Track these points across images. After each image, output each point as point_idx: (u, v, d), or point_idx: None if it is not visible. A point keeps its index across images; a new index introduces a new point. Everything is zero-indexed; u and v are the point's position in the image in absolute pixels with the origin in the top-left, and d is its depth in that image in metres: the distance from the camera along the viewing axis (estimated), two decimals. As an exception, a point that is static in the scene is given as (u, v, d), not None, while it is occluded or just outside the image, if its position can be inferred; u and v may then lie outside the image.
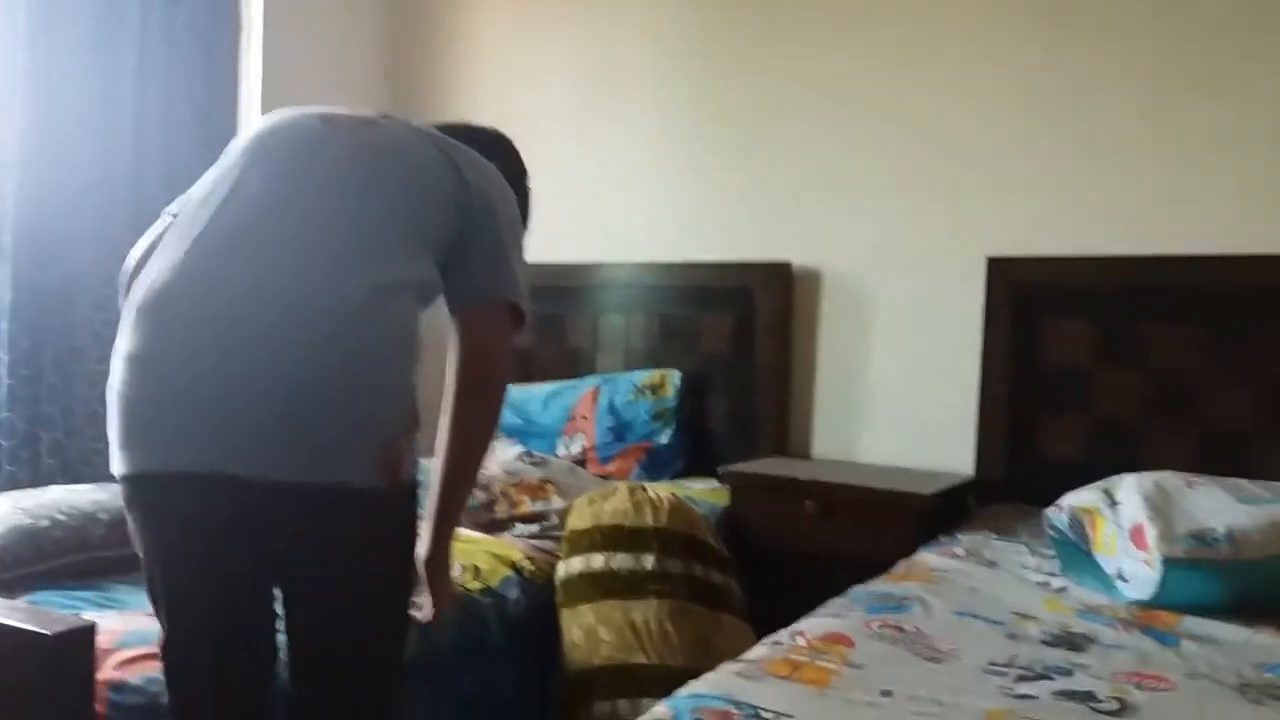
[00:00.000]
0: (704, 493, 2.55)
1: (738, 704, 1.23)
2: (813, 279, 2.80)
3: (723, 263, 2.89)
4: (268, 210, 1.30)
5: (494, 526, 2.32)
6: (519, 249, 1.46)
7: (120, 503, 1.99)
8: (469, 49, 3.42)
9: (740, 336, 2.84)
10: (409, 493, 1.34)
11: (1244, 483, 1.85)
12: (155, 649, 1.35)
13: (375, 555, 1.31)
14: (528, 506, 2.34)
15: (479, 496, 2.33)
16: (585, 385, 2.93)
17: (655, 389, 2.81)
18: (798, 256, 2.80)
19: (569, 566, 2.13)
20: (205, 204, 1.32)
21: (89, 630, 1.30)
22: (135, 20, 2.71)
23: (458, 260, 1.39)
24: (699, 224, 2.98)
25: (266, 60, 3.13)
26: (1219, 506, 1.75)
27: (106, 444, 2.70)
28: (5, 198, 2.48)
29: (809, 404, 2.81)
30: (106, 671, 1.43)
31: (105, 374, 2.59)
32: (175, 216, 1.39)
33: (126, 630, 1.54)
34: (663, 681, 1.65)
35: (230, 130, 2.94)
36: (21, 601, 1.53)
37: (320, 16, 3.29)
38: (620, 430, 2.78)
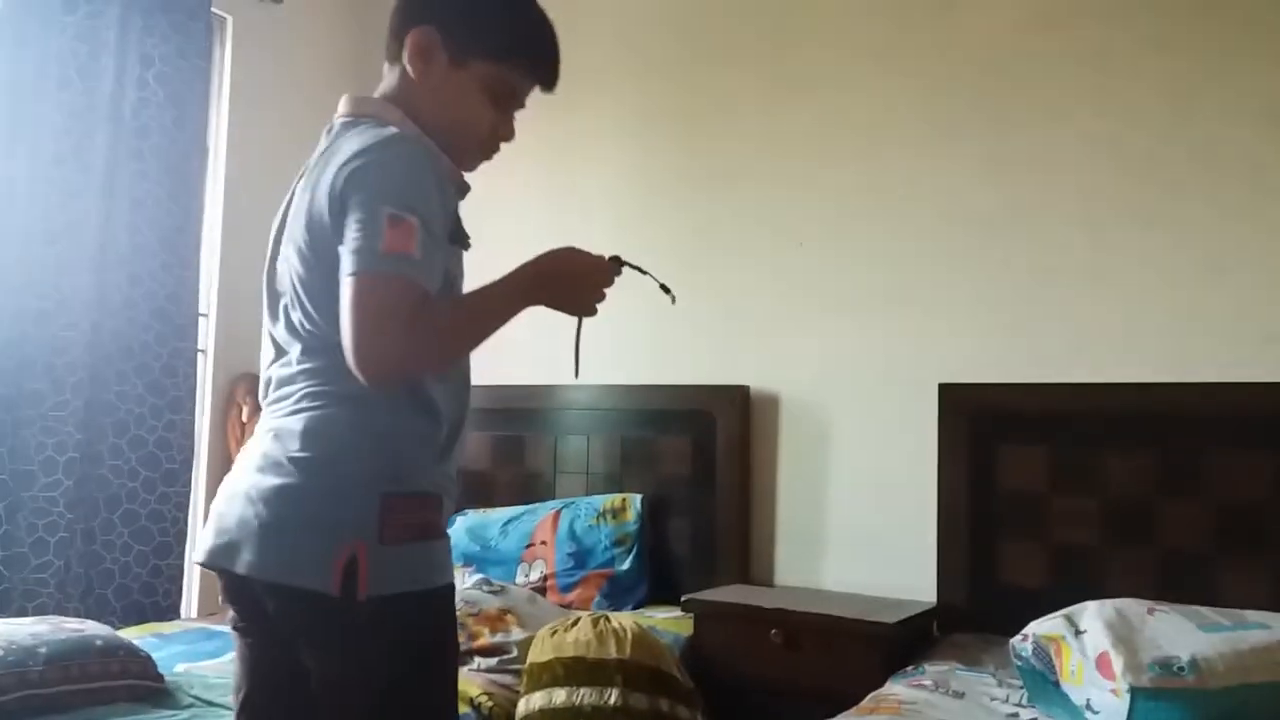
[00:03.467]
0: (667, 622, 2.51)
1: None
2: (771, 403, 2.84)
3: (682, 385, 2.92)
4: None
5: (451, 659, 2.24)
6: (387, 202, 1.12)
7: (60, 637, 1.92)
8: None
9: (700, 459, 2.84)
10: (379, 611, 1.13)
11: (1204, 610, 1.87)
12: None
13: (330, 667, 1.18)
14: (486, 639, 2.28)
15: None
16: (545, 509, 2.90)
17: (616, 513, 2.79)
18: (756, 380, 2.85)
19: (530, 703, 2.06)
20: None
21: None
22: (104, 140, 2.74)
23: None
24: (658, 347, 3.02)
25: (228, 190, 3.18)
26: (1181, 635, 1.76)
27: (52, 575, 2.57)
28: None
29: (770, 528, 2.80)
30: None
31: (51, 502, 2.55)
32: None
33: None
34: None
35: (195, 252, 2.95)
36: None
37: (280, 152, 3.35)
38: (581, 556, 2.74)
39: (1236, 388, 2.22)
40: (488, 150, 1.39)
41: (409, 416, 1.20)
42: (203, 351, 3.06)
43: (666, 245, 3.03)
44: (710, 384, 2.87)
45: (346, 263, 1.11)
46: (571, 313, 1.40)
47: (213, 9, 3.07)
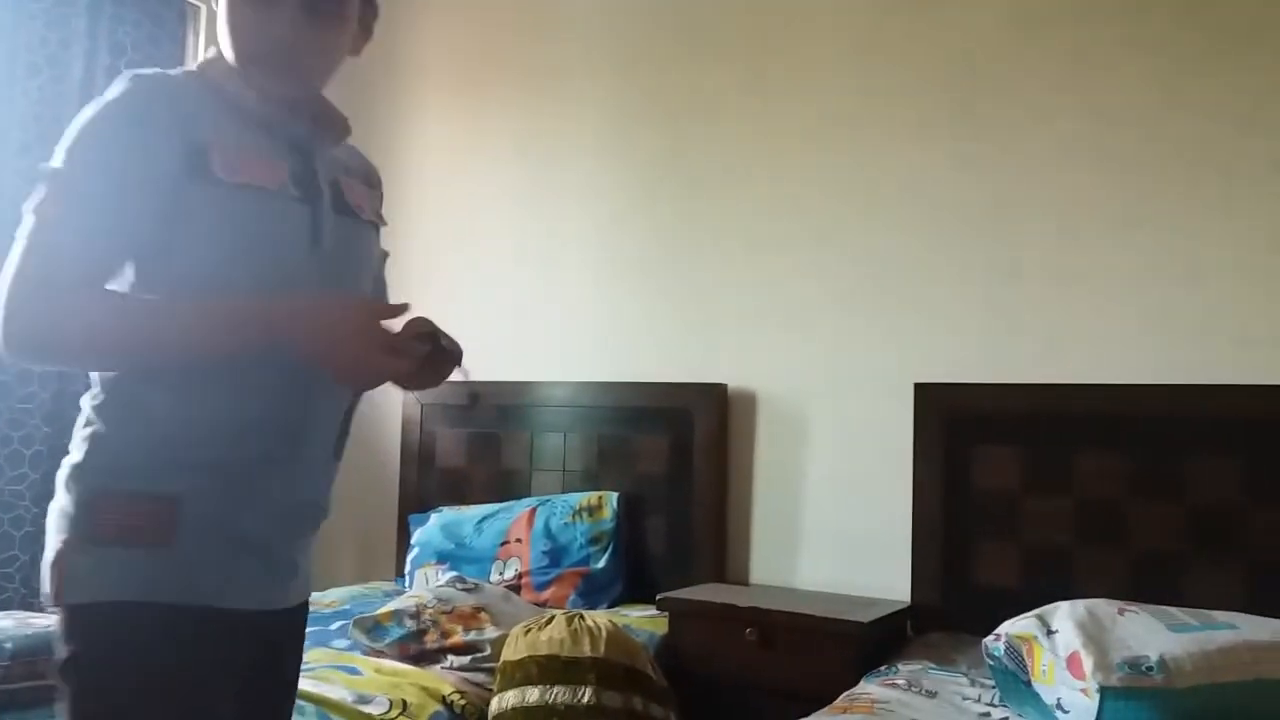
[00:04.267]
0: (642, 620, 2.50)
1: None
2: (748, 400, 2.84)
3: (659, 383, 2.91)
4: None
5: (424, 658, 2.23)
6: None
7: (26, 632, 1.88)
8: (405, 175, 3.47)
9: (677, 457, 2.84)
10: (82, 621, 1.03)
11: (1173, 610, 1.88)
12: None
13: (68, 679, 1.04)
14: (460, 636, 2.26)
15: (408, 625, 2.25)
16: (521, 507, 2.89)
17: (593, 511, 2.78)
18: (733, 378, 2.85)
19: (502, 701, 2.05)
20: None
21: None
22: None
23: None
24: (636, 344, 3.01)
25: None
26: (1150, 634, 1.77)
27: (18, 569, 2.55)
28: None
29: (746, 527, 2.81)
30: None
31: (16, 496, 2.51)
32: None
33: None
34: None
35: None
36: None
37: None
38: (556, 554, 2.73)
39: (1209, 390, 2.24)
40: (277, 62, 1.13)
41: (153, 407, 1.06)
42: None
43: (645, 242, 3.03)
44: (688, 382, 2.87)
45: None
46: (341, 379, 1.10)
47: (186, -4, 3.03)
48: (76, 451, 1.08)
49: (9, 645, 1.85)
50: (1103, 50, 2.43)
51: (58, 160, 1.04)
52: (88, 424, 1.09)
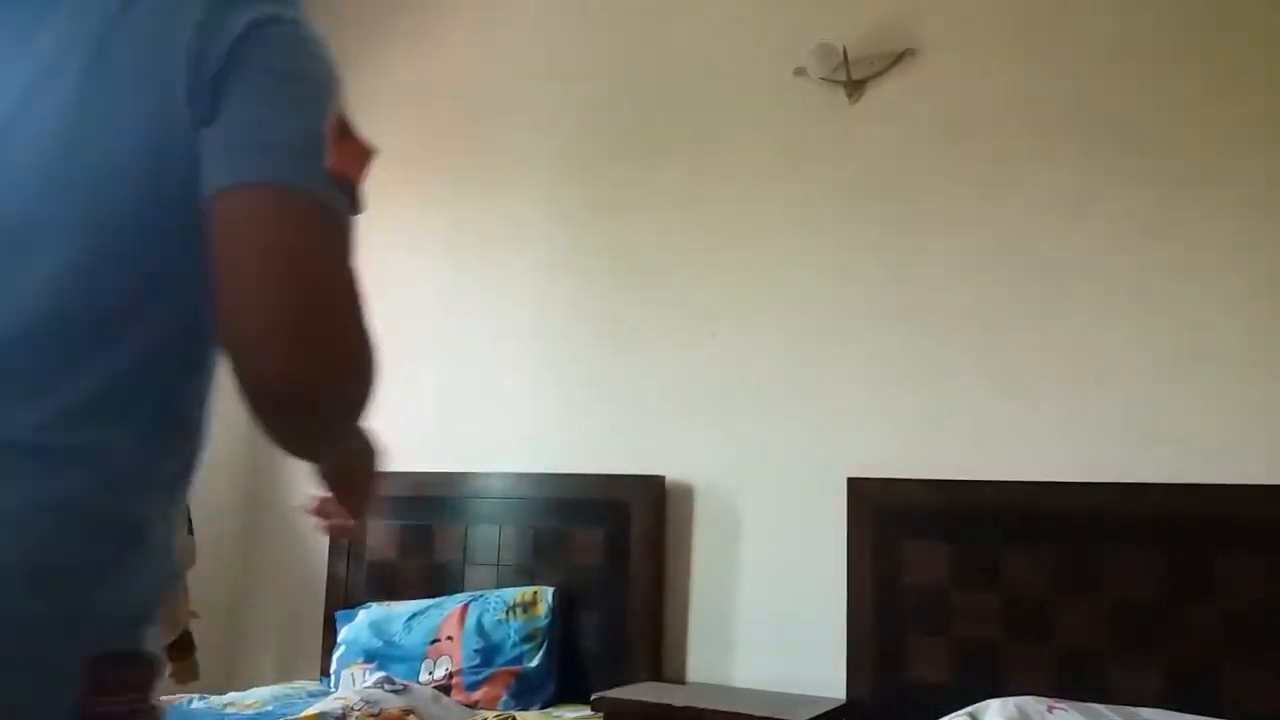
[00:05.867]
0: (576, 721, 2.45)
1: None
2: (686, 493, 2.84)
3: (597, 474, 2.91)
4: None
5: (348, 765, 2.14)
6: None
7: None
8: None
9: (614, 551, 2.82)
10: None
11: (1100, 708, 1.91)
12: None
13: None
14: (387, 741, 2.19)
15: (333, 731, 2.17)
16: (452, 603, 2.82)
17: (527, 607, 2.73)
18: (671, 470, 2.86)
19: (429, 812, 1.97)
20: None
21: None
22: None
23: None
24: (573, 435, 3.01)
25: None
26: (1079, 734, 1.79)
27: None
28: None
29: (683, 623, 2.78)
30: None
31: None
32: None
33: None
34: None
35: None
36: None
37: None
38: (488, 653, 2.66)
39: (1125, 488, 2.31)
40: None
41: None
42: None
43: (587, 331, 3.06)
44: (626, 473, 2.87)
45: None
46: None
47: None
48: None
49: None
50: (1017, 161, 2.56)
51: None
52: None
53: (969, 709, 1.93)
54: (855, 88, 2.75)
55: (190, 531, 2.90)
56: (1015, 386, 2.50)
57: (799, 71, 2.81)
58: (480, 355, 3.20)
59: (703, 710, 2.34)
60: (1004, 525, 2.41)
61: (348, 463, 0.99)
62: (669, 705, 2.38)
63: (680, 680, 2.74)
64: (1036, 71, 2.57)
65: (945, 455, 2.54)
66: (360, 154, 0.79)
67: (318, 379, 0.71)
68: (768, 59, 2.90)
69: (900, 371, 2.63)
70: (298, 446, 0.79)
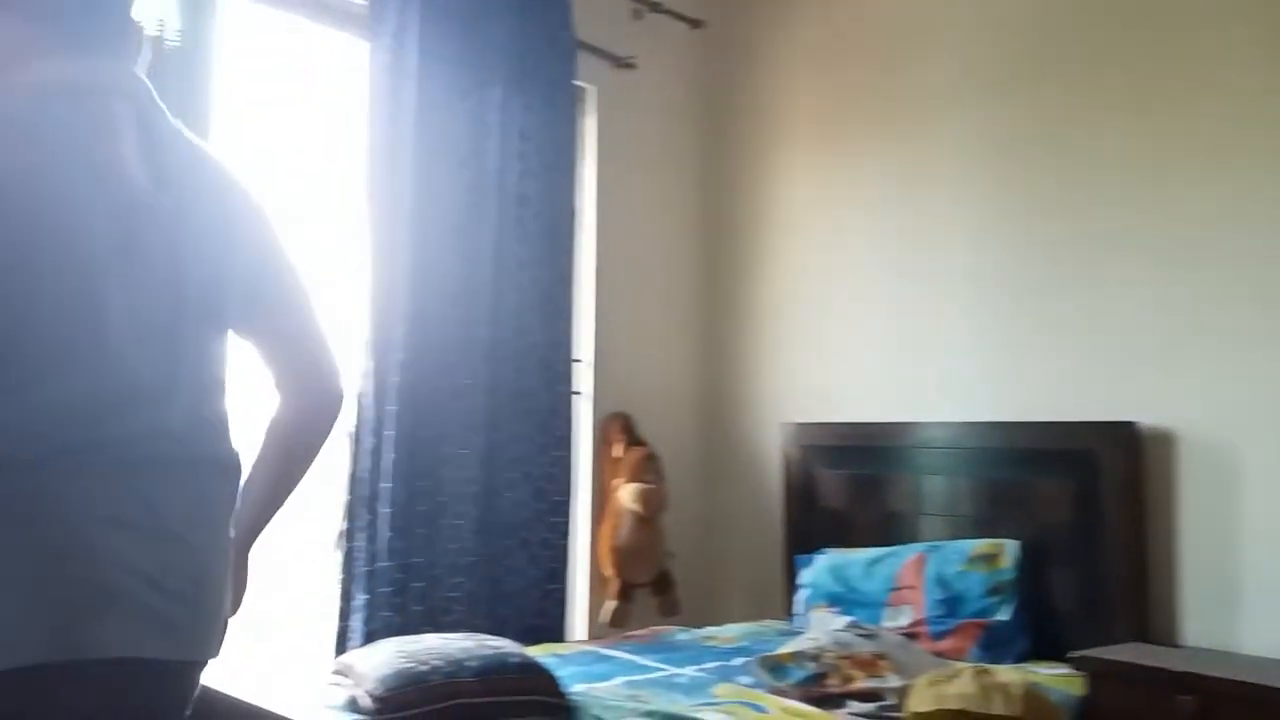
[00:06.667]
0: (1054, 679, 2.34)
1: None
2: (1164, 441, 2.57)
3: (1055, 422, 2.73)
4: None
5: (826, 701, 2.24)
6: None
7: (485, 653, 2.14)
8: (777, 224, 3.57)
9: (1083, 505, 2.63)
10: None
11: None
12: None
13: None
14: (861, 683, 2.25)
15: (809, 667, 2.28)
16: (908, 552, 2.83)
17: (989, 560, 2.66)
18: (1144, 415, 2.59)
19: (915, 754, 2.01)
20: None
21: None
22: (493, 209, 3.09)
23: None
24: (1027, 379, 2.85)
25: (600, 246, 3.48)
26: None
27: (462, 594, 2.88)
28: (392, 372, 2.84)
29: (1169, 582, 2.53)
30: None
31: (459, 529, 2.89)
32: None
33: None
34: None
35: (569, 305, 3.24)
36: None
37: (642, 209, 3.63)
38: (951, 604, 2.63)
39: None
40: None
41: None
42: (578, 393, 3.33)
43: (1033, 270, 2.87)
44: (1090, 420, 2.66)
45: None
46: None
47: (575, 81, 3.36)
48: None
49: (473, 664, 2.11)
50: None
51: None
52: None
53: None
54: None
55: (662, 479, 3.21)
56: None
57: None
58: (922, 296, 3.12)
59: (1205, 677, 2.13)
60: None
61: None
62: (1164, 669, 2.19)
63: (1171, 643, 2.50)
64: None
65: None
66: None
67: None
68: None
69: None
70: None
